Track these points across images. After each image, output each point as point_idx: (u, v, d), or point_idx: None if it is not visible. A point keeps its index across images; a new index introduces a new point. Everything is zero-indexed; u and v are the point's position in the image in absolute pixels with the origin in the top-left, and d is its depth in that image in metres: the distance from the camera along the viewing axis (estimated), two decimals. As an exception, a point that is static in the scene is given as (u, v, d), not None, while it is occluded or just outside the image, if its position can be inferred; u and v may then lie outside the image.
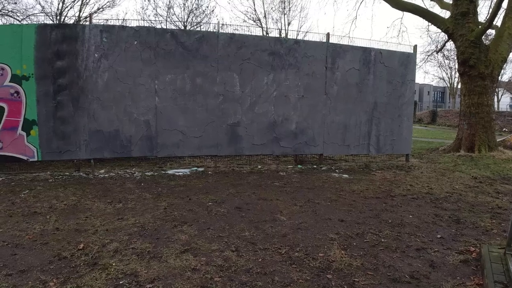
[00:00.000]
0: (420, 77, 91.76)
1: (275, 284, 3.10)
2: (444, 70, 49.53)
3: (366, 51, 9.44)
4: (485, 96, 12.05)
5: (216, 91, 8.36)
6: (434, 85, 63.64)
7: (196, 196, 5.95)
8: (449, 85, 48.61)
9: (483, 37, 12.77)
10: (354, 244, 4.02)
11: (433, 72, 78.42)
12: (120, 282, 3.02)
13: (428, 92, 66.12)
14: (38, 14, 17.25)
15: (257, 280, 3.15)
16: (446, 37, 14.68)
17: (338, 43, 9.43)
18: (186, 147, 8.31)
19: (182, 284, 3.03)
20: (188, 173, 8.05)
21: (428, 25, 26.53)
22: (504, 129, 27.08)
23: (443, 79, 49.44)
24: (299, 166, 9.10)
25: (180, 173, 7.95)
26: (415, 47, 10.25)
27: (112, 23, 8.01)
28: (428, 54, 25.45)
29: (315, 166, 9.12)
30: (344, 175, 8.09)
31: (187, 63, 8.11)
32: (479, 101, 12.00)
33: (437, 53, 26.41)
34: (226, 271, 3.30)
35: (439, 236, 4.35)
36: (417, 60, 11.20)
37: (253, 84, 8.56)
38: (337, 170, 8.69)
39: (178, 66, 8.06)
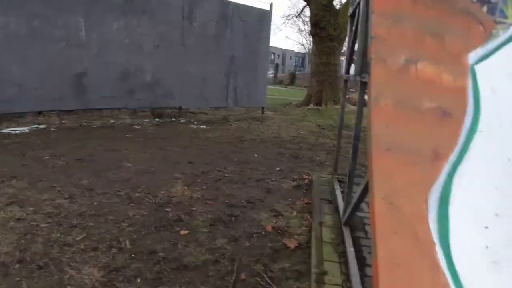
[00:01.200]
0: (283, 43, 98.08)
1: (108, 222, 2.95)
2: (303, 37, 53.58)
3: (223, 3, 9.38)
4: (333, 56, 13.47)
5: (58, 36, 7.27)
6: (296, 51, 68.51)
7: (33, 152, 5.21)
8: (308, 51, 52.90)
9: (338, 3, 14.08)
10: (199, 180, 4.09)
11: (293, 38, 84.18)
12: None
13: (290, 57, 70.96)
14: None
15: (89, 221, 2.96)
16: (305, 3, 15.72)
17: (194, -9, 9.11)
18: (25, 102, 7.12)
19: (4, 234, 2.69)
20: (27, 131, 7.00)
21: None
22: (351, 89, 30.99)
23: (302, 44, 53.49)
24: (157, 119, 8.79)
25: (17, 131, 6.88)
26: (271, 5, 10.64)
27: None
28: (288, 18, 27.03)
29: (173, 119, 8.93)
30: (202, 126, 8.14)
31: (23, 2, 6.77)
32: (327, 61, 13.36)
33: (296, 17, 28.24)
34: (55, 217, 3.04)
35: (278, 169, 4.74)
36: (279, 24, 11.73)
37: (102, 29, 7.71)
38: (195, 122, 8.68)
39: (11, 6, 6.67)
